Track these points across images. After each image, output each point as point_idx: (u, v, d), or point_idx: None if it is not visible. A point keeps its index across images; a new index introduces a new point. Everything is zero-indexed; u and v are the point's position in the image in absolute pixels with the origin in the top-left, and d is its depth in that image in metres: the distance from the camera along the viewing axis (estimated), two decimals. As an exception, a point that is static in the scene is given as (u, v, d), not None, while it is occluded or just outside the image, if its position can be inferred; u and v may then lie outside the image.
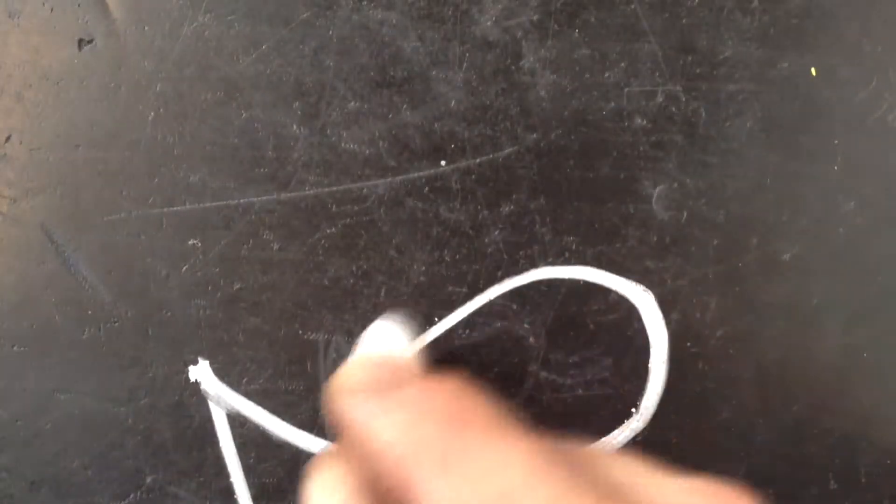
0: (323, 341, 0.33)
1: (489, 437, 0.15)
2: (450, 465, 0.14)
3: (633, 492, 0.16)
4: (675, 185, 0.33)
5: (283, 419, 0.33)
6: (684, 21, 0.32)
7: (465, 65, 0.32)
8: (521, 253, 0.32)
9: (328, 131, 0.32)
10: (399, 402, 0.16)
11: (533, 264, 0.33)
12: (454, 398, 0.16)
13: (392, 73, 0.32)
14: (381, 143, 0.32)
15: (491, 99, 0.32)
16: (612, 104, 0.32)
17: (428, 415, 0.15)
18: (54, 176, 0.32)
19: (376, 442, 0.15)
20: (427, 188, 0.32)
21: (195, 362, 0.33)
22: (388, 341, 0.21)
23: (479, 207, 0.32)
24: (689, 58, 0.32)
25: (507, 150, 0.32)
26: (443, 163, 0.32)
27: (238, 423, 0.33)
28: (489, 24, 0.32)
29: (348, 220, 0.32)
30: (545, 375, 0.33)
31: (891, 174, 0.33)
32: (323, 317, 0.33)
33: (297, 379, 0.33)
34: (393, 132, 0.32)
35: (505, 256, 0.32)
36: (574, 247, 0.33)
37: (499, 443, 0.15)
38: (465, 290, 0.33)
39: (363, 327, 0.33)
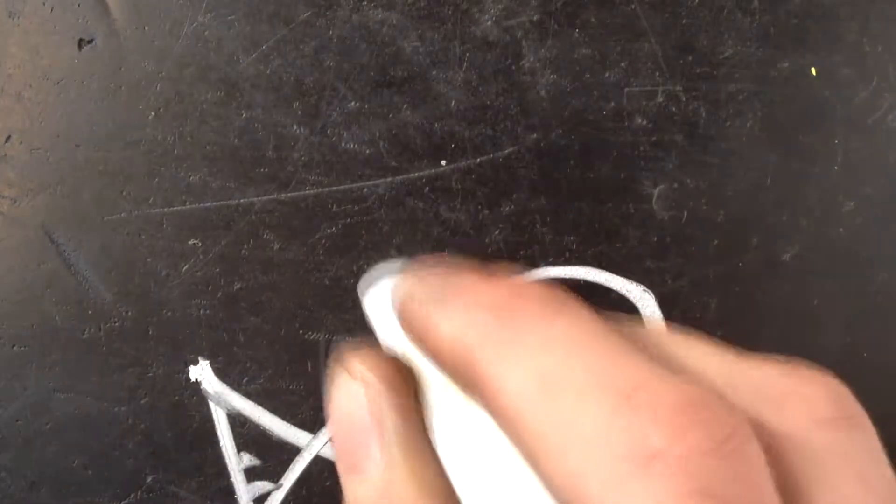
0: (323, 341, 0.33)
1: (538, 316, 0.15)
2: (503, 348, 0.14)
3: (698, 370, 0.16)
4: (675, 185, 0.33)
5: (283, 419, 0.33)
6: (684, 21, 0.32)
7: (465, 65, 0.32)
8: (521, 253, 0.33)
9: (328, 131, 0.32)
10: (455, 295, 0.16)
11: (533, 264, 0.33)
12: (506, 284, 0.16)
13: (392, 73, 0.32)
14: (381, 143, 0.32)
15: (491, 99, 0.32)
16: (612, 104, 0.32)
17: (483, 303, 0.15)
18: (54, 176, 0.32)
19: (436, 334, 0.16)
20: (427, 188, 0.32)
21: (195, 362, 0.33)
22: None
23: (479, 207, 0.32)
24: (689, 58, 0.32)
25: (508, 150, 0.32)
26: (443, 163, 0.32)
27: (238, 423, 0.33)
28: (489, 24, 0.32)
29: (349, 219, 0.32)
30: (545, 375, 0.33)
31: (891, 174, 0.33)
32: (323, 317, 0.33)
33: (297, 379, 0.33)
34: (393, 132, 0.32)
35: (505, 256, 0.32)
36: (574, 247, 0.33)
37: (545, 321, 0.15)
38: (465, 290, 0.33)
39: (363, 327, 0.33)
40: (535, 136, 0.32)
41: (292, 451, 0.33)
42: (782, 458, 0.14)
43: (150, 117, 0.32)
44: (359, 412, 0.17)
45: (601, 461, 0.12)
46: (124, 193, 0.32)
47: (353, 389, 0.18)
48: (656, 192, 0.33)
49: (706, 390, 0.13)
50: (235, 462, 0.33)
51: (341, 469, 0.17)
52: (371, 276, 0.21)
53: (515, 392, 0.14)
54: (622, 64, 0.32)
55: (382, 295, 0.20)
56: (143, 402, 0.33)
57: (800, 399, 0.15)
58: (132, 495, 0.33)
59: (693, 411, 0.13)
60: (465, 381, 0.16)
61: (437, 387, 0.18)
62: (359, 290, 0.20)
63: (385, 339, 0.21)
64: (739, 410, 0.13)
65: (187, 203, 0.32)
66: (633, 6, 0.32)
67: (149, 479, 0.33)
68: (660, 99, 0.32)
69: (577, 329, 0.15)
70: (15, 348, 0.32)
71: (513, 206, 0.32)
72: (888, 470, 0.16)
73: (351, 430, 0.17)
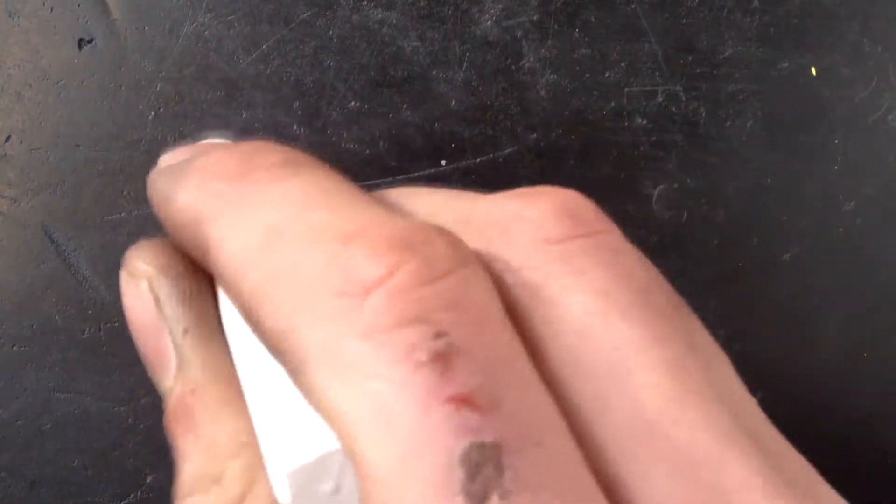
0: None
1: (269, 179, 0.14)
2: (230, 209, 0.14)
3: (430, 213, 0.15)
4: (675, 185, 0.33)
5: (283, 419, 0.33)
6: (684, 21, 0.32)
7: (465, 65, 0.32)
8: (521, 253, 0.32)
9: (328, 131, 0.32)
10: (194, 167, 0.15)
11: (533, 264, 0.33)
12: (245, 152, 0.15)
13: (392, 73, 0.32)
14: (381, 143, 0.32)
15: (491, 99, 0.32)
16: (612, 104, 0.32)
17: (216, 172, 0.14)
18: (54, 176, 0.32)
19: (174, 209, 0.15)
20: (427, 188, 0.32)
21: (195, 362, 0.33)
22: None
23: (479, 207, 0.32)
24: (689, 58, 0.32)
25: (507, 150, 0.32)
26: (443, 163, 0.32)
27: (238, 423, 0.33)
28: (489, 23, 0.32)
29: (348, 220, 0.32)
30: (545, 375, 0.33)
31: (891, 174, 0.33)
32: (323, 317, 0.33)
33: (297, 379, 0.33)
34: (393, 132, 0.32)
35: (505, 256, 0.32)
36: (574, 247, 0.33)
37: (276, 182, 0.14)
38: (465, 290, 0.33)
39: (363, 327, 0.33)
40: (535, 136, 0.32)
41: (292, 451, 0.33)
42: (509, 291, 0.13)
43: (150, 117, 0.32)
44: (145, 313, 0.16)
45: (313, 301, 0.12)
46: (124, 193, 0.32)
47: (134, 288, 0.16)
48: (656, 192, 0.33)
49: (427, 225, 0.12)
50: (235, 462, 0.33)
51: (147, 368, 0.17)
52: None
53: (237, 251, 0.13)
54: (622, 64, 0.32)
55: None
56: (143, 402, 0.33)
57: (524, 221, 0.14)
58: (132, 495, 0.33)
59: (411, 244, 0.12)
60: (198, 255, 0.14)
61: None
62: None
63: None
64: (461, 241, 0.12)
65: (187, 203, 0.32)
66: (633, 6, 0.32)
67: (149, 479, 0.33)
68: (660, 99, 0.32)
69: (308, 186, 0.14)
70: (15, 348, 0.32)
71: (513, 206, 0.32)
72: (640, 272, 0.14)
73: (145, 333, 0.16)
